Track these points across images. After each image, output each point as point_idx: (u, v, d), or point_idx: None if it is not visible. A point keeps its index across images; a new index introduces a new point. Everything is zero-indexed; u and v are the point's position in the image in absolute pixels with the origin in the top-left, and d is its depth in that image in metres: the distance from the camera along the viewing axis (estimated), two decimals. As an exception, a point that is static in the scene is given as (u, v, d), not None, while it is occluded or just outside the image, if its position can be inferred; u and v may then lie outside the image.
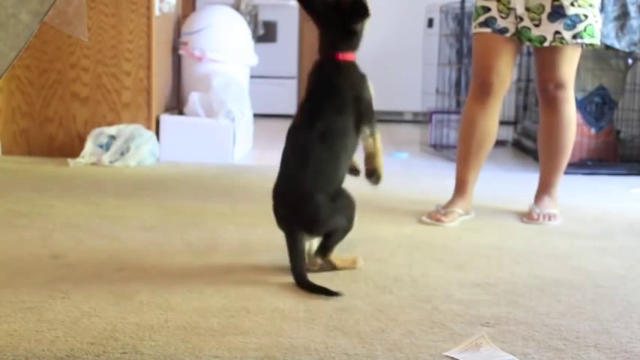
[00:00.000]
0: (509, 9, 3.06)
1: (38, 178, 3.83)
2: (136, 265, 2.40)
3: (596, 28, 3.07)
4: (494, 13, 3.09)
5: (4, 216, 3.01)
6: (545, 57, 3.09)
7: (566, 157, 3.23)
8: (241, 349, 1.77)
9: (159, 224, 2.95)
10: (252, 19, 6.50)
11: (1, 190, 3.55)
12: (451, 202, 3.20)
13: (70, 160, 4.19)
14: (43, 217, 3.01)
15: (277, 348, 1.78)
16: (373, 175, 2.44)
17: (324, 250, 2.37)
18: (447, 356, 1.77)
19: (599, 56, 4.55)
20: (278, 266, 2.41)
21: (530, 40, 3.06)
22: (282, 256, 2.47)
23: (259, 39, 6.44)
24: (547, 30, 3.02)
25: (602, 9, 3.21)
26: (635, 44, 4.24)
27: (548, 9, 3.01)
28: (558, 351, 1.81)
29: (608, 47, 4.38)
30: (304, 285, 2.21)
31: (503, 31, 3.08)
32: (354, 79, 2.41)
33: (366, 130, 2.42)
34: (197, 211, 3.19)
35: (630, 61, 4.59)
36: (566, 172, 4.24)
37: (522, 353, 1.79)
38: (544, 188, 3.27)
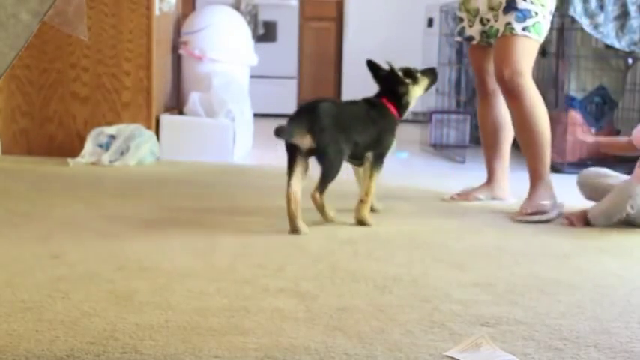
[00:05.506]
0: (475, 16, 3.33)
1: (38, 177, 3.83)
2: (136, 265, 2.40)
3: (544, 27, 3.21)
4: (465, 22, 3.42)
5: (4, 216, 3.01)
6: (498, 47, 3.24)
7: (546, 140, 3.26)
8: (241, 348, 1.77)
9: (159, 224, 2.95)
10: (252, 19, 6.50)
11: (1, 190, 3.55)
12: (478, 188, 3.54)
13: (70, 160, 4.19)
14: (43, 217, 3.01)
15: (277, 348, 1.78)
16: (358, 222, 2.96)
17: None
18: (447, 356, 1.77)
19: (599, 56, 4.55)
20: (278, 266, 2.41)
21: (489, 36, 3.29)
22: (283, 256, 2.47)
23: (259, 39, 6.43)
24: (501, 22, 3.20)
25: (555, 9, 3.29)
26: (635, 44, 4.24)
27: (504, 3, 3.19)
28: (558, 351, 1.81)
29: (608, 47, 4.38)
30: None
31: (470, 39, 3.41)
32: (392, 119, 3.05)
33: (370, 157, 2.95)
34: (197, 211, 3.19)
35: (630, 60, 4.59)
36: (566, 172, 4.27)
37: (522, 353, 1.79)
38: (534, 177, 3.28)
